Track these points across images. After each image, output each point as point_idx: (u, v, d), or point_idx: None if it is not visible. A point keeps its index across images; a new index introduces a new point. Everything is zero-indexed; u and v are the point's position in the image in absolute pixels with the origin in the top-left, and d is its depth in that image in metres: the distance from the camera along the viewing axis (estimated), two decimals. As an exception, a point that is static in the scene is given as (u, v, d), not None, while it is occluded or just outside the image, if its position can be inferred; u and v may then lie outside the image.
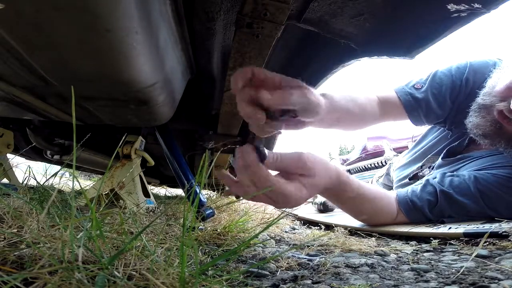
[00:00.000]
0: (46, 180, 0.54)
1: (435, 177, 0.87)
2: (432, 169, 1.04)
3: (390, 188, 1.51)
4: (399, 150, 2.56)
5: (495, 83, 0.82)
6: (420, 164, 1.14)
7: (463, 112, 0.89)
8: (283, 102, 0.46)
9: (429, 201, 0.82)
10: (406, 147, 2.12)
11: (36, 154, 1.44)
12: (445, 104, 0.95)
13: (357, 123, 0.86)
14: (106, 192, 0.87)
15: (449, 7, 0.49)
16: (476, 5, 0.47)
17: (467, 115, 0.88)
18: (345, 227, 0.87)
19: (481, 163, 0.89)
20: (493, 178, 0.81)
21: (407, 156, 1.30)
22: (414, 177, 1.12)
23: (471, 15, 0.52)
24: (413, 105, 0.93)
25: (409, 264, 0.51)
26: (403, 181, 1.19)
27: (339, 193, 0.70)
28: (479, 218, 0.78)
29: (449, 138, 1.05)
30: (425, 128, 1.20)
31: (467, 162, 0.93)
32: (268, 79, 0.47)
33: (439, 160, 1.02)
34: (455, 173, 0.88)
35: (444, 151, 1.02)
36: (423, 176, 1.03)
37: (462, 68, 0.96)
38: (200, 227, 0.71)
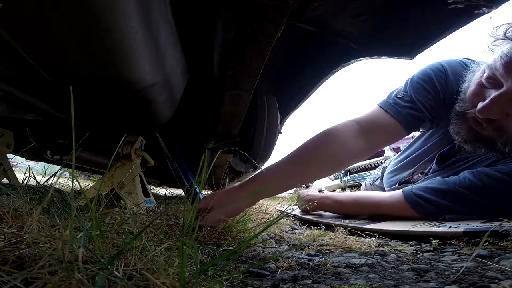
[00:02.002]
0: (46, 180, 0.54)
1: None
2: (425, 175, 1.04)
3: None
4: (399, 150, 2.56)
5: (466, 88, 0.81)
6: (411, 170, 1.13)
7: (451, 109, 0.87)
8: None
9: (435, 191, 0.85)
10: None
11: (36, 154, 1.43)
12: (435, 102, 0.91)
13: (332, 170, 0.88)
14: (106, 192, 0.87)
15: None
16: None
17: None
18: (345, 227, 0.87)
19: (483, 161, 0.89)
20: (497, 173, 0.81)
21: (395, 161, 1.29)
22: (405, 183, 1.12)
23: (471, 11, 0.52)
24: (402, 114, 0.88)
25: (409, 264, 0.51)
26: (393, 186, 1.19)
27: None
28: (479, 217, 0.78)
29: (439, 143, 1.03)
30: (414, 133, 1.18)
31: (467, 163, 0.93)
32: None
33: (434, 166, 1.01)
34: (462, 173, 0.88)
35: (436, 157, 1.01)
36: (415, 182, 1.03)
37: (435, 67, 0.94)
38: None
